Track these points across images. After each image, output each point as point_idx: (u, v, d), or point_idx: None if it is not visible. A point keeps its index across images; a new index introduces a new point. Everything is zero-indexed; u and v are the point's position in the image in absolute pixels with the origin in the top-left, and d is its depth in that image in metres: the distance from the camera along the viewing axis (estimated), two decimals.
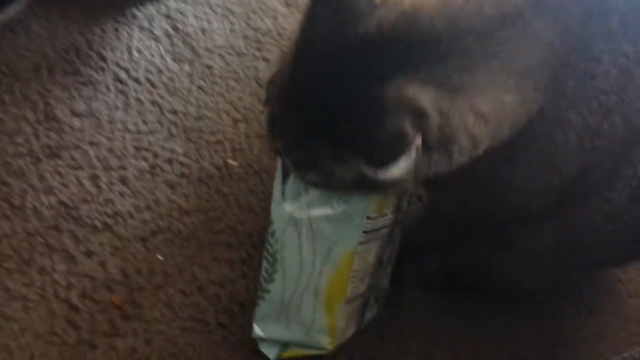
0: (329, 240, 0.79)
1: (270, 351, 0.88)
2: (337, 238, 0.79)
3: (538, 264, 0.91)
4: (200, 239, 1.00)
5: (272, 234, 0.82)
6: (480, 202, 0.81)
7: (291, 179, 0.79)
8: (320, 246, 0.79)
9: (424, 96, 0.61)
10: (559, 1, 0.67)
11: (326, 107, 0.64)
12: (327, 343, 0.86)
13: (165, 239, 0.98)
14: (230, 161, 1.10)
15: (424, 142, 0.63)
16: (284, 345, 0.88)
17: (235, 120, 1.15)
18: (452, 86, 0.62)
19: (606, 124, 0.72)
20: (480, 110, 0.64)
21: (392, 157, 0.62)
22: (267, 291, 0.85)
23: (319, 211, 0.77)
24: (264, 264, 0.84)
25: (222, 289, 0.96)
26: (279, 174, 0.81)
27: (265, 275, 0.84)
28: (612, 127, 0.72)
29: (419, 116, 0.61)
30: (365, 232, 0.79)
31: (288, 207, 0.79)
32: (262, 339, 0.88)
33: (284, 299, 0.84)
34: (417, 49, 0.61)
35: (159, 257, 0.96)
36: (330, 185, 0.70)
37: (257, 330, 0.87)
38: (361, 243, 0.79)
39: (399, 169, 0.63)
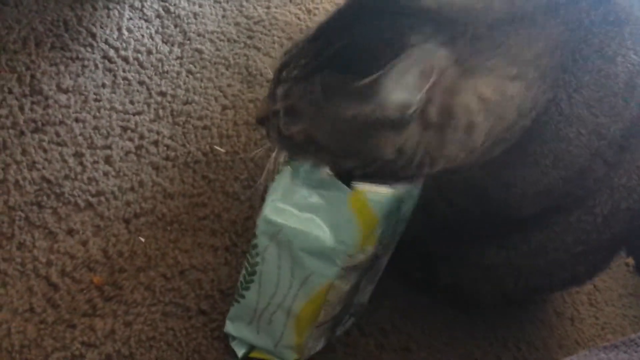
0: (307, 270, 0.78)
1: (239, 349, 0.87)
2: (315, 270, 0.78)
3: (499, 282, 0.92)
4: (183, 224, 0.98)
5: (254, 247, 0.80)
6: (478, 207, 0.81)
7: (283, 184, 0.79)
8: (299, 272, 0.79)
9: (440, 55, 0.65)
10: (571, 4, 0.71)
11: (353, 43, 0.68)
12: (292, 358, 0.85)
13: (148, 221, 0.96)
14: (217, 147, 1.08)
15: (425, 115, 0.66)
16: (253, 346, 0.87)
17: (223, 107, 1.14)
18: (462, 64, 0.66)
19: (613, 126, 0.73)
20: (482, 94, 0.67)
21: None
22: (242, 296, 0.84)
23: (301, 242, 0.77)
24: (243, 270, 0.83)
25: (204, 275, 0.94)
26: (273, 187, 0.80)
27: (243, 282, 0.83)
28: (616, 130, 0.74)
29: (430, 70, 0.64)
30: (343, 268, 0.78)
31: (274, 225, 0.78)
32: (233, 337, 0.87)
33: (257, 309, 0.83)
34: (439, 23, 0.67)
35: (141, 239, 0.94)
36: (329, 134, 0.71)
37: (229, 327, 0.87)
38: (338, 277, 0.78)
39: (409, 85, 0.64)
